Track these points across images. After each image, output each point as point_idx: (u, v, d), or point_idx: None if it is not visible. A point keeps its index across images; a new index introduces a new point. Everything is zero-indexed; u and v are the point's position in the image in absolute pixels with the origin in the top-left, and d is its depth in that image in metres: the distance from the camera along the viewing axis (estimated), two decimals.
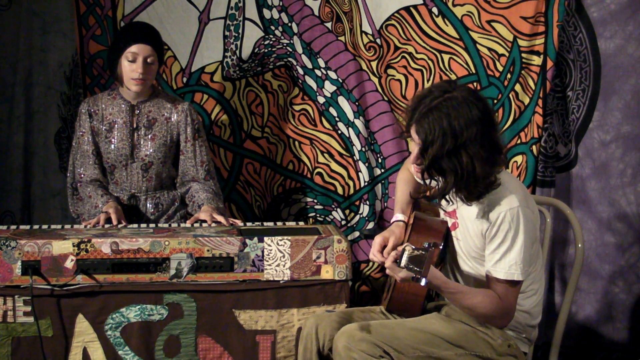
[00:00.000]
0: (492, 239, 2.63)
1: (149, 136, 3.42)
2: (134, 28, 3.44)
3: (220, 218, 3.29)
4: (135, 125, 3.42)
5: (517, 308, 2.70)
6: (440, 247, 2.73)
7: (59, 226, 3.23)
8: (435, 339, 2.67)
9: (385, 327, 2.68)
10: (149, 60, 3.32)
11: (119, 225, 3.25)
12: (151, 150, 3.42)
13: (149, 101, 3.44)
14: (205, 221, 3.30)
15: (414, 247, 2.51)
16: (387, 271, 2.62)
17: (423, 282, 2.45)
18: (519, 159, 3.67)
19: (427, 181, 2.69)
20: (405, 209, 2.94)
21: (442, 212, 2.86)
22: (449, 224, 2.81)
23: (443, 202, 2.69)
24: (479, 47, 3.70)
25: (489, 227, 2.63)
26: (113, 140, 3.41)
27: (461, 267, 2.80)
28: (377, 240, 2.83)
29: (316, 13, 3.83)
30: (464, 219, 2.73)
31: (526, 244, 2.62)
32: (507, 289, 2.63)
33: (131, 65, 3.32)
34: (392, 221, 2.94)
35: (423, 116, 2.56)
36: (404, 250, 2.54)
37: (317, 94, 3.89)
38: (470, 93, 2.59)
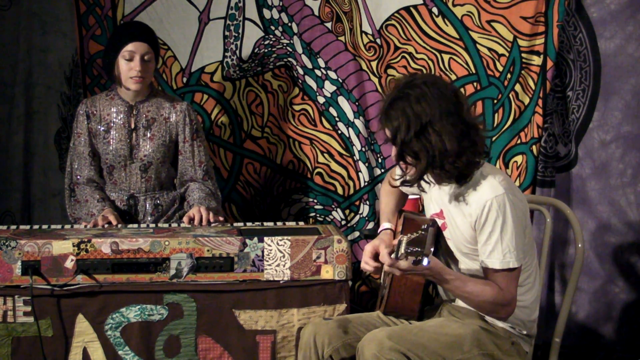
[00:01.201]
0: (482, 229, 2.64)
1: (148, 136, 3.42)
2: (128, 27, 3.47)
3: (203, 212, 3.27)
4: (133, 126, 3.42)
5: (517, 304, 2.70)
6: (436, 226, 2.73)
7: (59, 226, 3.23)
8: (456, 340, 2.67)
9: (409, 332, 2.68)
10: (146, 57, 3.32)
11: (119, 225, 3.25)
12: (150, 150, 3.42)
13: (147, 101, 3.43)
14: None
15: (409, 234, 2.52)
16: (386, 268, 2.61)
17: (425, 261, 2.44)
18: (519, 159, 3.67)
19: (403, 167, 2.69)
20: (391, 218, 2.96)
21: (428, 216, 2.86)
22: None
23: (424, 184, 2.69)
24: (479, 47, 3.70)
25: (477, 217, 2.64)
26: (112, 141, 3.41)
27: (454, 266, 2.80)
28: (368, 248, 2.82)
29: (316, 13, 3.83)
30: (451, 215, 2.73)
31: (517, 231, 2.62)
32: (505, 277, 2.64)
33: (129, 64, 3.32)
34: (379, 230, 2.93)
35: (387, 110, 2.63)
36: (399, 241, 2.53)
37: (317, 94, 3.89)
38: (429, 77, 2.67)
